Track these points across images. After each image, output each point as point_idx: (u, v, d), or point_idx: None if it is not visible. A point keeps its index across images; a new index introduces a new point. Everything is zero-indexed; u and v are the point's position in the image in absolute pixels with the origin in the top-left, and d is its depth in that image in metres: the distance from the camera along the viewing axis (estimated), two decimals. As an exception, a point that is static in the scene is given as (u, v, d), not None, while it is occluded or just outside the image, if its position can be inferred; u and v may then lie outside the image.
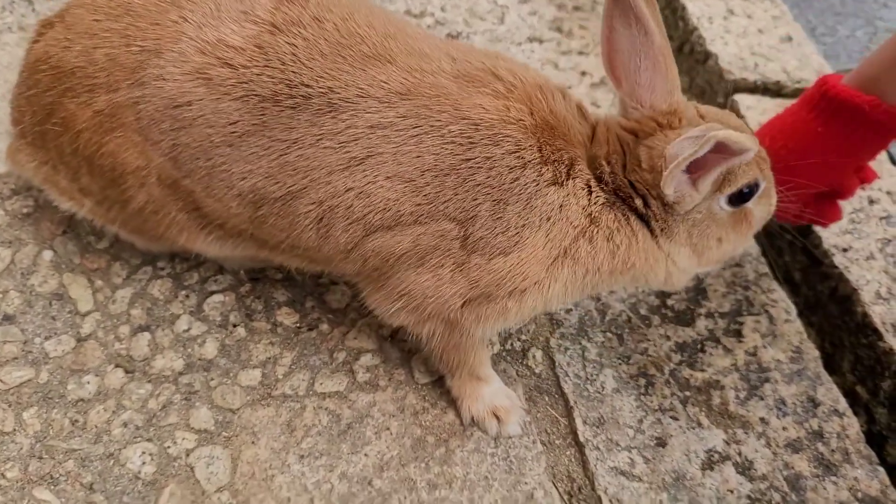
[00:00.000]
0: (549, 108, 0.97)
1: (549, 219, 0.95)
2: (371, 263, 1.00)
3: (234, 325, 1.27)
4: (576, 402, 1.24)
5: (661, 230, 1.01)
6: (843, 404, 1.28)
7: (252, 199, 0.99)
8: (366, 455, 1.16)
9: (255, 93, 0.94)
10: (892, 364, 1.32)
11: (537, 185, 0.94)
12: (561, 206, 0.95)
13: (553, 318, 1.33)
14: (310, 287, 1.33)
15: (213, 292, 1.30)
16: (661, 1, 1.90)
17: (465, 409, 1.19)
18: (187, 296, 1.30)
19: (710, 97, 1.74)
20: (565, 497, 1.15)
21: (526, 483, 1.15)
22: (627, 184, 0.99)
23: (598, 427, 1.21)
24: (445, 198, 0.94)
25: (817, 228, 1.48)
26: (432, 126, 0.93)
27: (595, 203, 0.97)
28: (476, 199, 0.93)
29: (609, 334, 1.32)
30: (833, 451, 1.22)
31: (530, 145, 0.95)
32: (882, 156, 1.63)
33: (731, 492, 1.17)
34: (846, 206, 1.53)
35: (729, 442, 1.21)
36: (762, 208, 1.07)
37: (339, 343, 1.27)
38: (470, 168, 0.93)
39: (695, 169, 0.93)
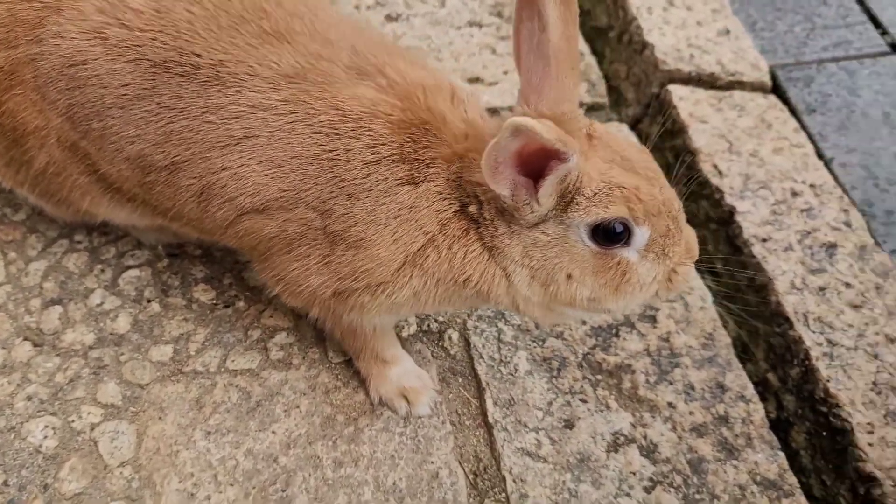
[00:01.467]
0: (428, 106, 0.95)
1: (396, 218, 0.93)
2: (246, 242, 1.01)
3: (149, 301, 1.27)
4: (488, 384, 1.25)
5: (492, 239, 0.94)
6: (750, 390, 1.30)
7: (140, 165, 0.99)
8: (273, 432, 1.16)
9: (147, 57, 0.94)
10: (801, 352, 1.35)
11: (388, 182, 0.92)
12: (411, 207, 0.93)
13: (471, 300, 1.34)
14: (228, 264, 1.33)
15: (129, 267, 1.30)
16: (603, -10, 1.91)
17: (372, 389, 1.20)
18: (103, 270, 1.29)
19: (646, 86, 1.75)
20: (470, 477, 1.17)
21: (432, 462, 1.16)
22: (466, 186, 0.93)
23: (507, 408, 1.23)
24: (307, 187, 0.93)
25: (738, 218, 1.50)
26: (307, 114, 0.93)
27: (448, 210, 0.94)
28: (332, 191, 0.93)
29: (526, 317, 1.33)
30: (737, 435, 1.25)
31: (391, 141, 0.93)
32: (808, 148, 1.66)
33: (634, 473, 1.18)
34: (769, 196, 1.55)
35: (635, 425, 1.23)
36: (652, 268, 0.94)
37: (254, 321, 1.27)
38: (331, 159, 0.92)
39: (534, 174, 0.87)
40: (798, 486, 1.21)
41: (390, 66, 0.97)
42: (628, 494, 1.16)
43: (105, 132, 0.97)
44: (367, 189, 0.92)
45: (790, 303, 1.39)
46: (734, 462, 1.22)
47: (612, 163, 0.91)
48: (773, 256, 1.45)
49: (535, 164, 0.84)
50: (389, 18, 1.71)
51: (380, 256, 0.94)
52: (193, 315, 1.26)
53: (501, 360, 1.28)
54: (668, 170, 1.65)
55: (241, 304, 1.29)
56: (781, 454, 1.24)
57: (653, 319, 1.36)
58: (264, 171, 0.94)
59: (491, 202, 0.91)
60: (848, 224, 1.55)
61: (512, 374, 1.26)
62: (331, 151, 0.92)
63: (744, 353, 1.46)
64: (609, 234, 0.90)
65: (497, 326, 1.32)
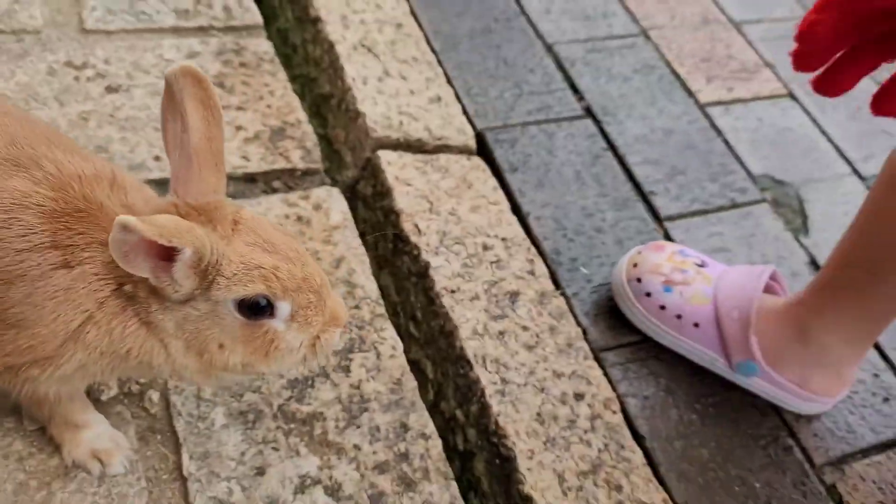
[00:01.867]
0: (84, 195, 1.02)
1: (53, 299, 0.99)
2: None
3: None
4: (185, 439, 1.34)
5: (147, 315, 1.02)
6: (430, 428, 1.47)
7: None
8: (-40, 503, 1.20)
9: None
10: (478, 391, 1.54)
11: (41, 267, 0.98)
12: (67, 288, 0.99)
13: (174, 361, 1.43)
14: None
15: None
16: (327, 60, 2.07)
17: (66, 453, 1.26)
18: None
19: (360, 151, 1.92)
20: (162, 529, 1.25)
21: (124, 519, 1.24)
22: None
23: (202, 461, 1.32)
24: None
25: (432, 272, 1.68)
26: None
27: (105, 289, 1.01)
28: None
29: (189, 383, 1.43)
30: (416, 469, 1.41)
31: (43, 230, 0.99)
32: (504, 205, 1.88)
33: (317, 512, 1.31)
34: (462, 251, 1.75)
35: (322, 467, 1.36)
36: (297, 337, 1.06)
37: (-54, 394, 1.30)
38: None
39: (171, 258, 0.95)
40: (465, 511, 1.39)
41: (48, 157, 1.04)
42: (310, 532, 1.29)
43: None
44: (20, 275, 0.98)
45: (471, 347, 1.58)
46: (411, 494, 1.38)
47: (255, 246, 1.02)
48: (460, 306, 1.64)
49: (167, 250, 0.94)
50: (110, 89, 1.78)
51: (40, 335, 1.01)
52: None
53: (199, 416, 1.37)
54: (380, 227, 1.83)
55: (-67, 378, 1.31)
56: (454, 484, 1.41)
57: (346, 369, 1.50)
58: None
59: (142, 281, 1.00)
60: (532, 273, 1.77)
61: (209, 429, 1.36)
62: None
63: (438, 393, 1.64)
64: (254, 308, 1.02)
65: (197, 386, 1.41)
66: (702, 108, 2.33)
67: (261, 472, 1.33)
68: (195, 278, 0.98)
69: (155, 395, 1.39)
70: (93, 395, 1.34)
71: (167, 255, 0.94)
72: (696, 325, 1.63)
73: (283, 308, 1.04)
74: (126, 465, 1.28)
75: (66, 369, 1.05)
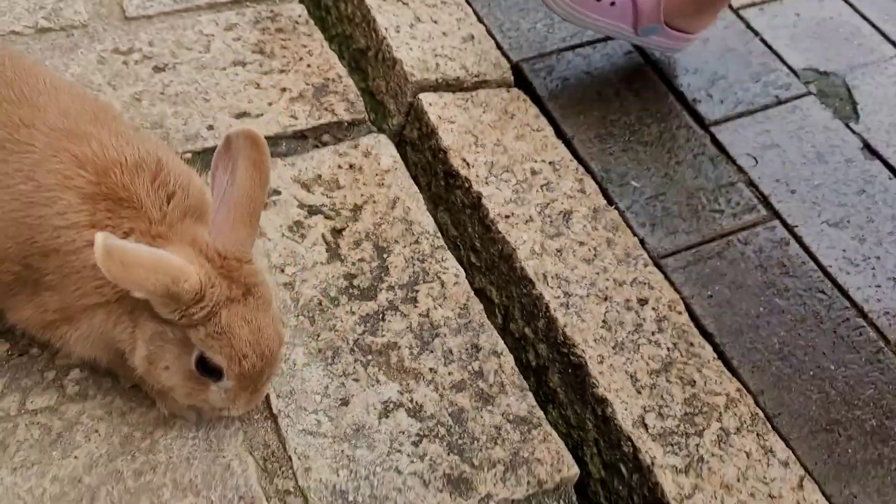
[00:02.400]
0: (124, 184, 1.10)
1: (79, 274, 1.10)
2: None
3: (-54, 362, 1.37)
4: (271, 381, 1.42)
5: (140, 315, 1.12)
6: (501, 345, 1.52)
7: None
8: (76, 458, 1.29)
9: None
10: (543, 306, 1.58)
11: (75, 243, 1.08)
12: (94, 266, 1.02)
13: (250, 311, 1.50)
14: (21, 317, 1.44)
15: (-78, 335, 1.40)
16: (358, 15, 2.12)
17: (162, 406, 1.34)
18: None
19: (402, 97, 1.96)
20: (260, 462, 1.33)
21: (224, 456, 1.32)
22: None
23: (289, 398, 1.40)
24: (7, 245, 1.10)
25: (484, 202, 1.72)
26: (7, 184, 1.08)
27: None
28: (29, 250, 1.09)
29: (302, 317, 1.51)
30: (491, 385, 1.46)
31: (82, 209, 1.08)
32: (548, 131, 1.91)
33: (403, 432, 1.38)
34: (511, 178, 1.78)
35: (402, 392, 1.43)
36: (221, 401, 1.17)
37: (48, 363, 1.40)
38: (27, 225, 1.08)
39: None
40: (544, 417, 1.44)
41: (94, 137, 1.12)
42: (399, 451, 1.36)
43: None
44: (55, 249, 1.09)
45: (531, 266, 1.62)
46: (490, 408, 1.43)
47: (246, 325, 1.10)
48: (516, 230, 1.68)
49: None
50: (157, 69, 1.85)
51: (65, 301, 1.13)
52: (-10, 368, 1.38)
53: (282, 358, 1.45)
54: (430, 167, 1.87)
55: (34, 350, 1.41)
56: (530, 394, 1.46)
57: (413, 300, 1.56)
58: None
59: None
60: (582, 191, 1.80)
61: (291, 369, 1.44)
62: (27, 217, 1.08)
63: (506, 315, 1.69)
64: (206, 369, 1.13)
65: (276, 329, 1.48)
66: (736, 12, 2.31)
67: (345, 402, 1.40)
68: (176, 311, 1.05)
69: (237, 344, 1.46)
70: (180, 348, 1.43)
71: None
72: (613, 3, 1.95)
73: (227, 383, 1.14)
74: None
75: (74, 338, 1.18)
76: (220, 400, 1.17)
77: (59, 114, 1.12)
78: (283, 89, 1.89)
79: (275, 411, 1.38)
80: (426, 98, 1.90)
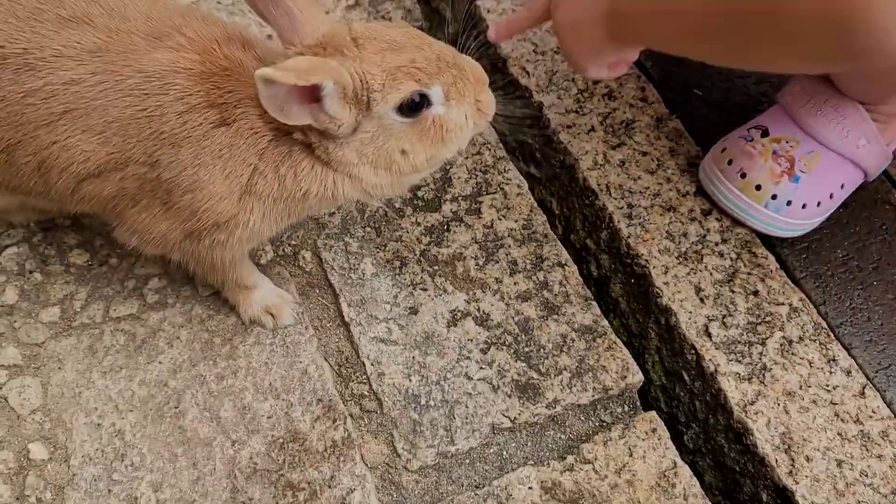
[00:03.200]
0: (225, 55, 1.09)
1: (221, 157, 1.08)
2: (95, 205, 1.17)
3: (31, 272, 1.43)
4: (341, 290, 1.46)
5: (328, 156, 1.09)
6: (564, 256, 1.54)
7: None
8: (160, 363, 1.35)
9: None
10: (606, 217, 1.59)
11: (203, 126, 1.07)
12: (230, 145, 1.07)
13: (318, 221, 1.53)
14: (98, 227, 1.49)
15: (7, 246, 1.45)
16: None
17: (242, 312, 1.39)
18: (-17, 252, 1.44)
19: (459, 4, 1.92)
20: (335, 368, 1.38)
21: (301, 362, 1.37)
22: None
23: (360, 307, 1.44)
24: (130, 146, 1.08)
25: (545, 111, 1.71)
26: (116, 81, 1.07)
27: (261, 141, 1.08)
28: (155, 144, 1.07)
29: (368, 228, 1.53)
30: (556, 295, 1.49)
31: (197, 91, 1.07)
32: (608, 38, 1.87)
33: (471, 340, 1.42)
34: (572, 87, 1.77)
35: (469, 301, 1.46)
36: (459, 110, 1.10)
37: (128, 273, 1.44)
38: (146, 117, 1.07)
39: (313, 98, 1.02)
40: (608, 327, 1.46)
41: (185, 26, 1.12)
42: (468, 357, 1.40)
43: None
44: (185, 136, 1.07)
45: (593, 177, 1.62)
46: (555, 317, 1.46)
47: (384, 51, 1.06)
48: (577, 140, 1.67)
49: (312, 91, 1.00)
50: (213, -22, 1.84)
51: (217, 192, 1.10)
52: (73, 277, 1.43)
53: (350, 268, 1.48)
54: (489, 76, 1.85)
55: (113, 260, 1.45)
56: (594, 304, 1.49)
57: (477, 212, 1.57)
58: (89, 138, 1.08)
59: (309, 128, 1.06)
60: (644, 100, 1.77)
61: (361, 279, 1.47)
62: (144, 110, 1.07)
63: (567, 226, 1.70)
64: (412, 106, 1.06)
65: (344, 241, 1.52)
66: None
67: (414, 311, 1.44)
68: (349, 106, 1.04)
69: (307, 255, 1.50)
70: (252, 259, 1.47)
71: (314, 96, 1.01)
72: None
73: (436, 93, 1.07)
74: (294, 317, 1.41)
75: (251, 223, 1.14)
76: (461, 108, 1.10)
77: (146, 18, 1.12)
78: (339, -3, 1.87)
79: (346, 319, 1.42)
80: (483, 4, 1.87)
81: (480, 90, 1.13)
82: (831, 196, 1.56)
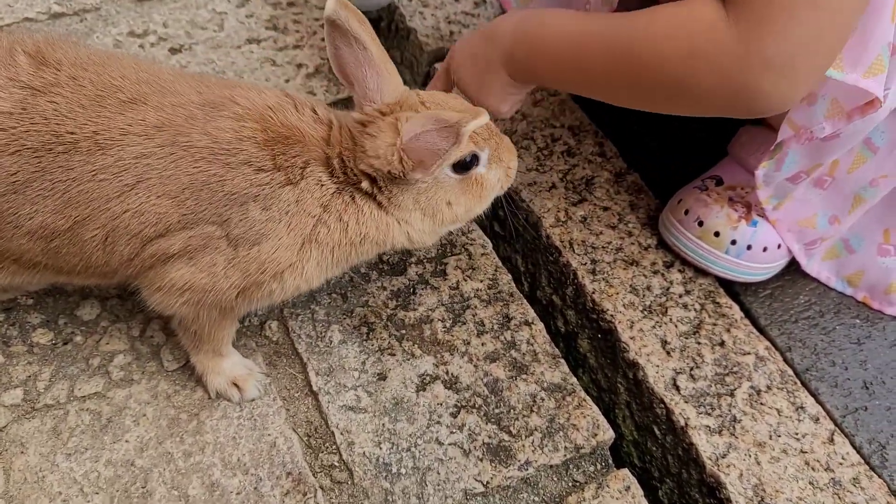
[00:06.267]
0: (281, 122, 1.17)
1: (287, 213, 1.16)
2: (150, 264, 1.20)
3: (-8, 354, 1.41)
4: (308, 359, 1.45)
5: (389, 201, 1.20)
6: (531, 314, 1.55)
7: (42, 235, 1.16)
8: (126, 441, 1.33)
9: (27, 146, 1.10)
10: (571, 274, 1.60)
11: (271, 186, 1.14)
12: (297, 201, 1.16)
13: (284, 290, 1.53)
14: (61, 306, 1.48)
15: (-33, 328, 1.43)
16: (369, -15, 2.10)
17: (209, 383, 1.38)
18: (-56, 336, 1.42)
19: (418, 67, 1.96)
20: (305, 438, 1.37)
21: (269, 435, 1.36)
22: (357, 171, 1.18)
23: (328, 375, 1.43)
24: (202, 207, 1.14)
25: (507, 170, 1.73)
26: (185, 150, 1.12)
27: (325, 194, 1.18)
28: (226, 205, 1.14)
29: (335, 295, 1.54)
30: (524, 354, 1.49)
31: (262, 155, 1.14)
32: (564, 95, 1.91)
33: (441, 404, 1.41)
34: (531, 146, 1.80)
35: (438, 364, 1.46)
36: (495, 173, 1.27)
37: (93, 350, 1.43)
38: (218, 180, 1.13)
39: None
40: (577, 384, 1.46)
41: (237, 97, 1.18)
42: (438, 422, 1.39)
43: (1, 215, 1.13)
44: (255, 195, 1.15)
45: (556, 234, 1.64)
46: (524, 376, 1.46)
47: (447, 105, 1.21)
48: (539, 198, 1.69)
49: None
50: (173, 51, 1.85)
51: (283, 244, 1.18)
52: (36, 357, 1.41)
53: (318, 336, 1.48)
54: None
55: (78, 338, 1.44)
56: (563, 362, 1.49)
57: (443, 273, 1.58)
58: (161, 202, 1.13)
59: (385, 177, 1.18)
60: (603, 155, 1.80)
61: (328, 346, 1.47)
62: (215, 174, 1.13)
63: (533, 283, 1.71)
64: (465, 165, 1.21)
65: (310, 308, 1.51)
66: None
67: (382, 377, 1.44)
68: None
69: (274, 324, 1.50)
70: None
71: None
72: None
73: (484, 156, 1.23)
74: (260, 390, 1.40)
75: (307, 271, 1.23)
76: (498, 170, 1.28)
77: (197, 92, 1.18)
78: (299, 65, 1.90)
79: (314, 389, 1.42)
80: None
81: (511, 158, 1.30)
82: None
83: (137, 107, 1.14)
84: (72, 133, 1.12)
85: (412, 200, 1.21)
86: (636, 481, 1.36)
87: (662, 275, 1.60)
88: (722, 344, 1.51)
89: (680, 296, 1.57)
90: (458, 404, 1.42)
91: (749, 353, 1.50)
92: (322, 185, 1.18)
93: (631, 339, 1.50)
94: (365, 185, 1.19)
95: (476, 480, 1.33)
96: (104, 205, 1.14)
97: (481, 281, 1.58)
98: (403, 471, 1.34)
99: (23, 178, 1.12)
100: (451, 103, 1.23)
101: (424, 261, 1.60)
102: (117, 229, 1.16)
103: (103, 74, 1.16)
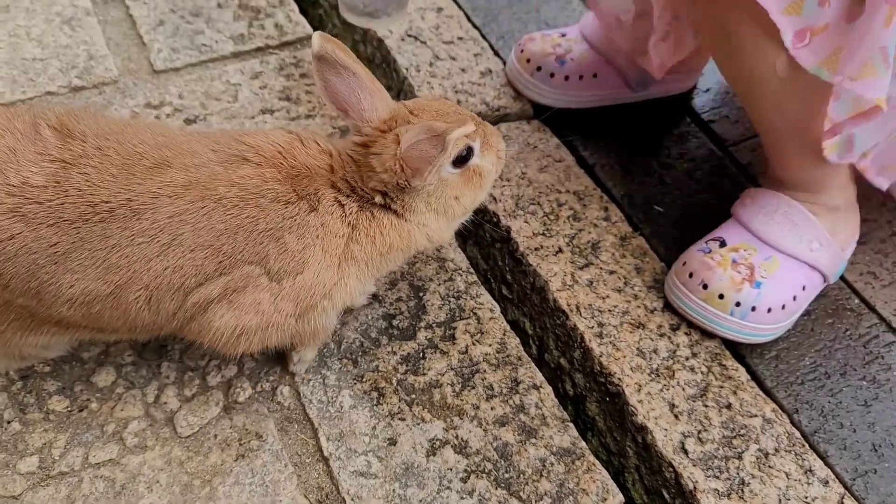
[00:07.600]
0: (291, 162, 1.26)
1: (318, 236, 1.25)
2: (191, 314, 1.26)
3: (9, 422, 1.43)
4: (320, 424, 1.47)
5: (404, 209, 1.30)
6: (539, 378, 1.56)
7: (84, 301, 1.20)
8: (140, 508, 1.35)
9: (64, 218, 1.15)
10: (578, 337, 1.62)
11: (300, 215, 1.23)
12: (323, 224, 1.25)
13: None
14: (77, 373, 1.50)
15: (-15, 396, 1.46)
16: (378, 56, 2.17)
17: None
18: (-38, 404, 1.45)
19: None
20: (316, 505, 1.38)
21: (281, 500, 1.37)
22: (367, 189, 1.28)
23: (339, 440, 1.45)
24: (240, 249, 1.21)
25: (514, 235, 1.77)
26: (215, 202, 1.19)
27: (349, 213, 1.27)
28: (262, 242, 1.22)
29: (345, 360, 1.56)
30: (533, 418, 1.50)
31: (287, 190, 1.23)
32: (570, 160, 1.95)
33: (451, 469, 1.42)
34: (538, 211, 1.83)
35: (448, 429, 1.47)
36: (489, 159, 1.37)
37: (108, 417, 1.45)
38: (251, 221, 1.21)
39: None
40: (587, 448, 1.48)
41: (247, 151, 1.26)
42: (448, 488, 1.40)
43: (42, 286, 1.18)
44: (288, 227, 1.23)
45: (563, 298, 1.66)
46: (534, 441, 1.47)
47: (436, 118, 1.29)
48: (546, 262, 1.73)
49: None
50: (188, 121, 1.91)
51: (323, 266, 1.27)
52: (52, 425, 1.43)
53: (328, 401, 1.50)
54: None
55: (93, 405, 1.46)
56: (571, 426, 1.51)
57: (452, 338, 1.60)
58: (200, 253, 1.20)
59: (394, 188, 1.27)
60: (608, 219, 1.84)
61: (339, 411, 1.49)
62: (248, 216, 1.21)
63: (541, 346, 1.73)
64: (462, 158, 1.30)
65: (321, 374, 1.54)
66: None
67: (392, 442, 1.45)
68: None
69: (285, 390, 1.52)
70: (230, 396, 1.48)
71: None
72: None
73: (476, 146, 1.32)
74: (275, 454, 1.41)
75: (350, 286, 1.33)
76: (490, 156, 1.37)
77: (212, 150, 1.25)
78: (312, 134, 1.95)
79: (325, 454, 1.43)
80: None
81: (498, 140, 1.40)
82: (794, 298, 1.61)
83: (164, 170, 1.21)
84: (107, 202, 1.17)
85: (424, 203, 1.31)
86: (646, 546, 1.36)
87: (669, 337, 1.62)
88: (729, 406, 1.52)
89: (686, 358, 1.59)
90: (469, 469, 1.43)
91: (756, 416, 1.51)
92: (343, 206, 1.28)
93: (639, 402, 1.52)
94: (378, 199, 1.28)
95: (486, 546, 1.34)
96: (145, 266, 1.19)
97: (490, 345, 1.60)
98: (414, 537, 1.35)
99: (62, 248, 1.16)
100: (436, 107, 1.32)
101: (434, 325, 1.62)
102: (161, 287, 1.22)
103: (124, 143, 1.23)
